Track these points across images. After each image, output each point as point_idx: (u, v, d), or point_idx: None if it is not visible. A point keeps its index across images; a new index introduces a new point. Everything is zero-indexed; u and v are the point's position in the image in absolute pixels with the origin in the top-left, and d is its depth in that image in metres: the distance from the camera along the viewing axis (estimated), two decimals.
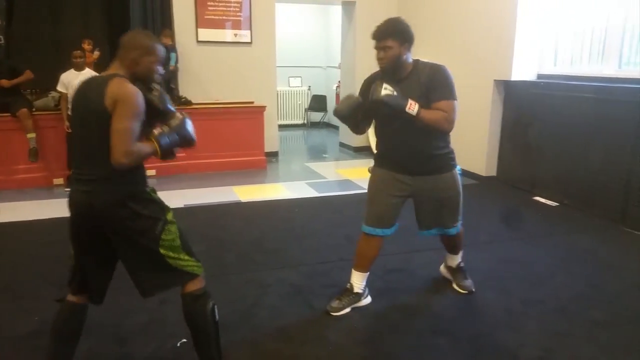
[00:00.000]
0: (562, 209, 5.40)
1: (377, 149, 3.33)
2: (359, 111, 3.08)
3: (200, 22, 7.39)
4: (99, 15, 9.29)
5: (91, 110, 2.17)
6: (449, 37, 6.98)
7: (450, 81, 2.99)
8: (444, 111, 2.92)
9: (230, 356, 2.75)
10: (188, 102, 6.96)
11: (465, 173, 6.66)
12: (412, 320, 3.16)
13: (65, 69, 6.07)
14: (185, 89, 7.37)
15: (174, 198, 5.71)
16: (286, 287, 3.57)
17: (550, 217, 5.19)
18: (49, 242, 4.40)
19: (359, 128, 3.26)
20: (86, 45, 6.67)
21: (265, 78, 7.83)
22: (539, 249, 4.32)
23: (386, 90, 2.84)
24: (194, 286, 2.45)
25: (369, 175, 3.31)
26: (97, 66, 7.17)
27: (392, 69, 2.97)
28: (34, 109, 6.27)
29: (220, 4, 7.42)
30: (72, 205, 2.29)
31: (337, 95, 10.40)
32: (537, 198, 5.74)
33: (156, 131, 2.32)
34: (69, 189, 2.33)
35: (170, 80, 7.39)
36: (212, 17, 7.42)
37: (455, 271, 3.58)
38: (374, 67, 3.16)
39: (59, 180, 6.33)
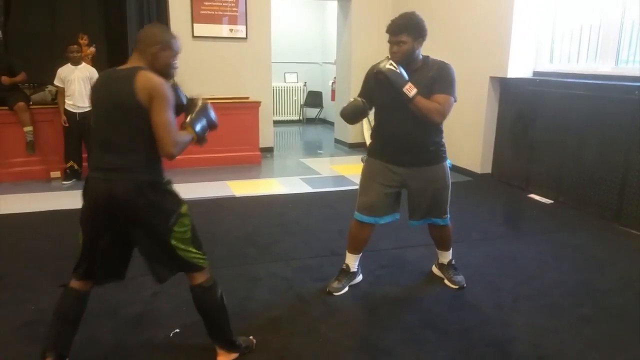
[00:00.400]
0: (556, 207, 5.42)
1: (371, 139, 3.40)
2: (363, 115, 3.19)
3: (196, 17, 7.39)
4: (96, 10, 9.28)
5: (119, 104, 2.24)
6: (444, 33, 6.98)
7: (453, 79, 3.10)
8: (439, 104, 3.00)
9: None
10: None
11: (460, 170, 6.74)
12: (403, 314, 3.18)
13: (62, 63, 6.07)
14: (181, 84, 7.35)
15: None
16: (277, 280, 3.59)
17: (544, 214, 5.22)
18: (46, 234, 4.43)
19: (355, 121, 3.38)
20: (82, 40, 6.67)
21: (260, 73, 7.84)
22: (531, 246, 4.34)
23: (391, 66, 2.92)
24: (201, 278, 2.53)
25: (362, 165, 3.41)
26: (94, 61, 7.20)
27: (405, 63, 3.02)
28: (31, 103, 6.28)
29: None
30: (90, 193, 2.36)
31: (333, 91, 10.40)
32: (532, 195, 5.77)
33: (188, 119, 2.44)
34: (90, 176, 2.37)
35: None
36: (208, 12, 7.42)
37: (447, 267, 3.62)
38: (370, 63, 3.22)
39: (56, 174, 6.34)
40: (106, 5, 9.45)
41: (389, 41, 3.05)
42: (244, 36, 7.67)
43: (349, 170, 6.93)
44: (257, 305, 3.25)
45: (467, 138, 6.66)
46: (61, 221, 4.78)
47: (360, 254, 3.49)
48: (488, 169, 6.58)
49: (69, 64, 6.01)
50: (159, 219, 2.34)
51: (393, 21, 3.03)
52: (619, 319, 3.14)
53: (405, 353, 2.77)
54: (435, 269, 3.73)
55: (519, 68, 5.98)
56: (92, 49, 6.83)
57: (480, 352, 2.80)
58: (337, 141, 9.25)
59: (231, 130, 7.18)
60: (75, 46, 6.09)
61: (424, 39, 3.07)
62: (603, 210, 5.02)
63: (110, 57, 8.53)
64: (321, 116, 11.69)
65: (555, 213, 5.24)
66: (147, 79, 2.22)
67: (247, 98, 7.43)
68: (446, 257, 3.62)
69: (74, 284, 2.50)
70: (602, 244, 4.39)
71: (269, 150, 8.11)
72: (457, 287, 3.53)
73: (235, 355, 2.65)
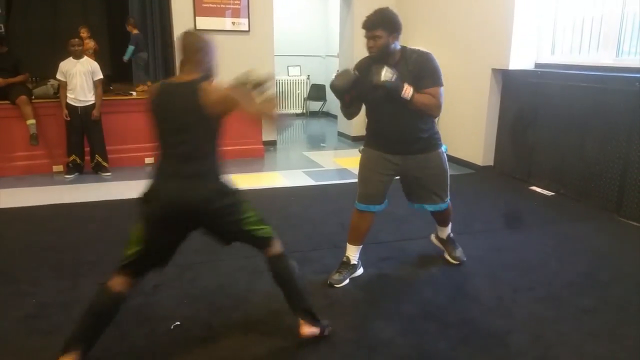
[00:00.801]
0: (558, 199, 5.42)
1: (367, 130, 3.46)
2: (355, 87, 3.16)
3: (198, 10, 7.37)
4: (98, 3, 9.31)
5: (188, 118, 2.42)
6: (446, 26, 6.97)
7: (438, 68, 3.16)
8: (434, 97, 3.12)
9: (223, 339, 2.80)
10: None
11: (462, 162, 6.75)
12: (403, 305, 3.19)
13: (63, 57, 6.08)
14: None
15: None
16: None
17: (545, 206, 5.21)
18: (48, 228, 4.45)
19: (349, 110, 3.38)
20: (83, 34, 6.68)
21: (263, 66, 7.74)
22: (533, 237, 4.35)
23: (387, 73, 2.99)
24: (275, 249, 2.72)
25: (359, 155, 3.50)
26: (96, 56, 7.22)
27: (381, 56, 3.11)
28: (33, 97, 6.29)
29: None
30: (163, 200, 2.43)
31: None
32: (534, 188, 5.76)
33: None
34: (161, 184, 2.48)
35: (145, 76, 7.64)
36: (210, 5, 7.40)
37: (446, 242, 3.79)
38: None
39: (59, 168, 6.36)
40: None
41: (365, 36, 3.14)
42: (247, 29, 7.65)
43: (352, 163, 6.91)
44: (258, 297, 3.27)
45: (469, 130, 6.65)
46: (63, 215, 4.81)
47: (361, 246, 3.53)
48: (490, 161, 6.57)
49: (70, 58, 6.01)
50: (233, 216, 2.54)
51: (368, 17, 3.13)
52: (620, 310, 3.15)
53: (406, 344, 2.79)
54: (434, 240, 3.89)
55: (521, 60, 5.96)
56: (93, 44, 6.84)
57: (480, 343, 2.81)
58: (340, 134, 9.24)
59: (234, 123, 7.12)
60: (76, 40, 6.09)
61: (399, 33, 3.14)
62: (604, 202, 5.01)
63: (112, 50, 8.56)
64: (324, 109, 11.67)
65: (556, 205, 5.24)
66: (209, 91, 2.43)
67: None
68: (445, 231, 3.77)
69: (116, 282, 2.52)
70: (602, 236, 4.39)
71: (272, 144, 8.11)
72: (457, 262, 3.72)
73: (316, 330, 2.74)
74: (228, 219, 2.53)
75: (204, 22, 7.43)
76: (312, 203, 5.24)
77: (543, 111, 5.72)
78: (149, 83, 7.41)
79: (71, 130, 6.11)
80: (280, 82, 11.03)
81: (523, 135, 6.03)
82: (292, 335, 2.83)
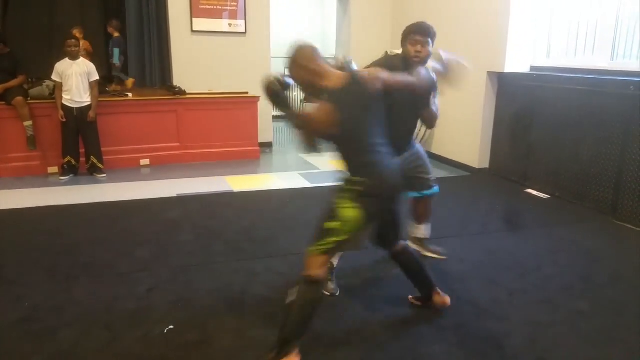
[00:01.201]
0: (553, 202, 5.42)
1: None
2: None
3: (195, 11, 7.37)
4: (95, 4, 9.29)
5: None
6: (442, 29, 6.89)
7: None
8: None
9: (217, 342, 2.78)
10: (182, 92, 6.95)
11: (457, 165, 6.77)
12: (398, 309, 3.19)
13: (59, 57, 6.06)
14: (180, 79, 7.37)
15: (166, 187, 5.74)
16: (274, 275, 3.60)
17: (541, 209, 5.22)
18: (42, 230, 4.43)
19: None
20: (76, 34, 6.67)
21: (260, 68, 7.79)
22: (528, 240, 4.35)
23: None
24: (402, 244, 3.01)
25: None
26: (90, 56, 7.19)
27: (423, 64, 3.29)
28: (29, 98, 6.26)
29: None
30: (389, 182, 2.63)
31: None
32: (529, 190, 5.76)
33: None
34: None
35: (119, 74, 7.66)
36: (207, 6, 7.41)
37: (421, 241, 3.92)
38: (369, 58, 3.42)
39: (54, 169, 6.33)
40: (105, 0, 9.43)
41: (414, 40, 3.32)
42: (243, 31, 7.66)
43: None
44: (253, 300, 3.26)
45: (465, 133, 6.66)
46: (58, 216, 4.79)
47: None
48: (486, 164, 6.57)
49: (66, 59, 5.98)
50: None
51: (422, 24, 3.41)
52: (615, 313, 3.15)
53: (401, 348, 2.78)
54: (409, 243, 3.89)
55: (516, 63, 5.98)
56: (86, 44, 6.84)
57: (475, 346, 2.81)
58: None
59: (230, 125, 7.18)
60: (73, 40, 6.06)
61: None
62: (599, 204, 5.02)
63: (108, 52, 8.52)
64: None
65: (552, 208, 5.24)
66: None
67: (246, 93, 7.42)
68: (420, 231, 3.91)
69: (319, 270, 2.65)
70: (598, 239, 4.40)
71: (268, 146, 8.10)
72: (441, 256, 3.86)
73: (448, 298, 3.11)
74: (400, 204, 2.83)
75: (200, 24, 7.44)
76: (308, 205, 5.22)
77: (539, 114, 5.72)
78: (130, 80, 7.43)
79: (66, 131, 6.08)
80: None
81: (519, 138, 6.04)
82: None
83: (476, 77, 6.36)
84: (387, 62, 3.31)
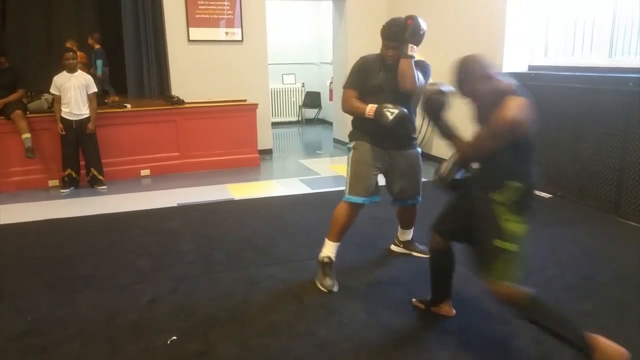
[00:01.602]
0: (555, 201, 5.40)
1: (357, 126, 3.59)
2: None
3: (191, 21, 7.38)
4: (91, 16, 9.33)
5: None
6: (439, 30, 6.97)
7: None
8: None
9: (220, 352, 2.77)
10: (180, 102, 6.95)
11: None
12: (401, 314, 3.17)
13: (58, 71, 6.07)
14: (178, 88, 7.37)
15: (167, 197, 5.74)
16: (276, 283, 3.58)
17: (543, 209, 5.18)
18: (43, 243, 4.43)
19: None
20: (71, 46, 6.70)
21: (257, 75, 7.83)
22: (530, 240, 4.30)
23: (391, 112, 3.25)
24: None
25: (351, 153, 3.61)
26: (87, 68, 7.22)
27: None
28: (27, 112, 6.27)
29: (211, 3, 7.41)
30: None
31: (331, 91, 10.38)
32: None
33: None
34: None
35: (102, 84, 7.64)
36: (203, 15, 7.42)
37: (410, 243, 4.01)
38: None
39: (55, 182, 6.32)
40: (101, 11, 9.48)
41: (390, 46, 3.42)
42: (240, 39, 7.66)
43: None
44: (255, 308, 3.24)
45: (464, 135, 6.63)
46: (59, 229, 4.79)
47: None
48: None
49: (64, 72, 5.99)
50: None
51: (392, 27, 3.42)
52: (619, 312, 3.13)
53: (405, 353, 2.76)
54: (395, 247, 4.05)
55: (514, 63, 5.96)
56: (81, 56, 6.88)
57: (480, 349, 2.79)
58: (336, 141, 9.23)
59: (229, 133, 7.18)
60: (70, 53, 6.07)
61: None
62: (602, 202, 5.00)
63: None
64: (320, 116, 11.66)
65: (554, 207, 5.22)
66: None
67: (245, 100, 7.42)
68: (408, 235, 3.99)
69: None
70: (601, 237, 4.37)
71: (268, 152, 8.09)
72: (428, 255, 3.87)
73: (454, 311, 3.12)
74: None
75: (197, 33, 7.45)
76: (309, 211, 5.22)
77: (538, 113, 5.68)
78: (112, 97, 7.38)
79: (66, 144, 6.08)
80: (275, 90, 11.02)
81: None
82: (290, 346, 2.81)
83: None
84: (364, 66, 3.48)
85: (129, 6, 7.54)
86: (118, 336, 2.95)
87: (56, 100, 6.03)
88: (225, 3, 7.47)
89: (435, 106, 2.74)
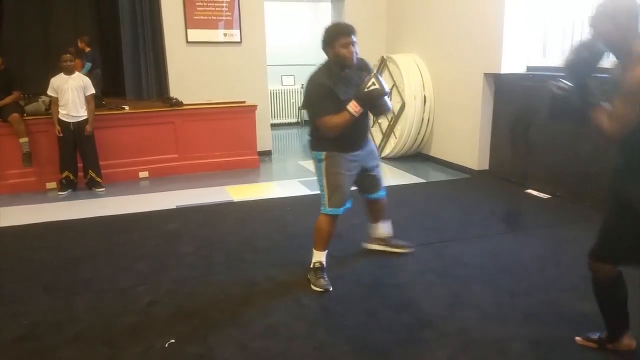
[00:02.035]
0: (554, 201, 5.40)
1: (320, 134, 3.44)
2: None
3: (190, 22, 7.37)
4: (89, 18, 9.33)
5: None
6: (437, 31, 6.97)
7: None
8: None
9: (219, 355, 2.76)
10: (179, 103, 6.94)
11: (457, 167, 6.75)
12: (400, 315, 3.16)
13: (55, 72, 6.06)
14: (176, 90, 7.36)
15: (166, 199, 5.72)
16: (275, 285, 3.58)
17: (542, 209, 5.19)
18: (41, 246, 4.41)
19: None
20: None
21: (256, 77, 7.83)
22: (530, 241, 4.32)
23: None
24: None
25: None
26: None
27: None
28: (25, 114, 6.25)
29: (209, 4, 7.41)
30: None
31: None
32: (530, 191, 5.74)
33: None
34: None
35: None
36: (201, 17, 7.41)
37: (387, 240, 3.99)
38: None
39: (52, 185, 6.31)
40: (99, 13, 9.47)
41: (348, 42, 3.36)
42: (239, 40, 7.66)
43: None
44: (254, 311, 3.23)
45: (464, 135, 6.64)
46: (57, 232, 4.77)
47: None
48: (485, 165, 6.55)
49: (62, 74, 5.97)
50: None
51: (347, 24, 3.43)
52: None
53: (404, 355, 2.76)
54: (372, 245, 4.04)
55: (513, 64, 5.96)
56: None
57: (479, 350, 2.78)
58: None
59: (228, 135, 7.17)
60: (68, 55, 6.04)
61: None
62: (600, 203, 4.98)
63: (103, 64, 8.55)
64: None
65: (552, 208, 5.21)
66: None
67: (244, 102, 7.41)
68: (384, 227, 3.95)
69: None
70: None
71: (267, 154, 8.09)
72: (408, 250, 3.97)
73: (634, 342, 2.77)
74: None
75: (195, 35, 7.44)
76: (308, 212, 5.17)
77: (536, 114, 5.70)
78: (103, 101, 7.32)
79: (64, 146, 6.07)
80: (275, 91, 11.03)
81: (518, 138, 6.02)
82: (289, 349, 2.80)
83: (473, 79, 6.35)
84: (324, 90, 3.36)
85: (126, 7, 7.54)
86: (117, 339, 2.94)
87: (53, 102, 6.02)
88: (224, 4, 7.47)
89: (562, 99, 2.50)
